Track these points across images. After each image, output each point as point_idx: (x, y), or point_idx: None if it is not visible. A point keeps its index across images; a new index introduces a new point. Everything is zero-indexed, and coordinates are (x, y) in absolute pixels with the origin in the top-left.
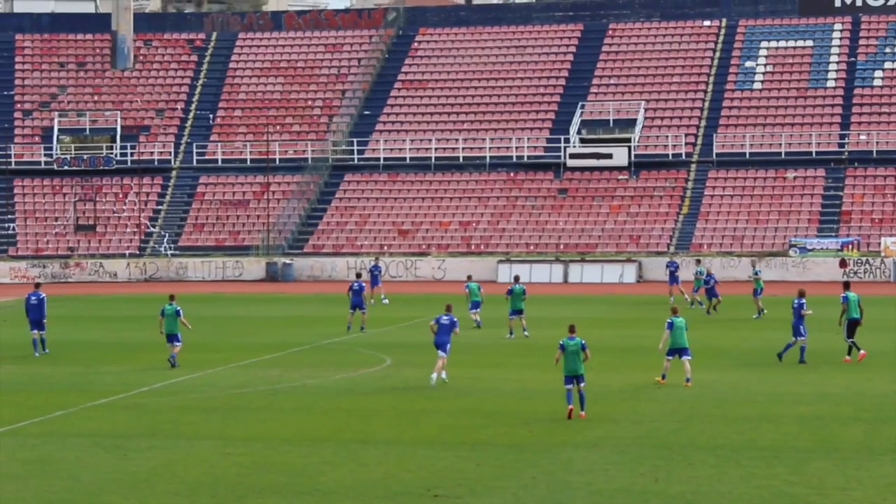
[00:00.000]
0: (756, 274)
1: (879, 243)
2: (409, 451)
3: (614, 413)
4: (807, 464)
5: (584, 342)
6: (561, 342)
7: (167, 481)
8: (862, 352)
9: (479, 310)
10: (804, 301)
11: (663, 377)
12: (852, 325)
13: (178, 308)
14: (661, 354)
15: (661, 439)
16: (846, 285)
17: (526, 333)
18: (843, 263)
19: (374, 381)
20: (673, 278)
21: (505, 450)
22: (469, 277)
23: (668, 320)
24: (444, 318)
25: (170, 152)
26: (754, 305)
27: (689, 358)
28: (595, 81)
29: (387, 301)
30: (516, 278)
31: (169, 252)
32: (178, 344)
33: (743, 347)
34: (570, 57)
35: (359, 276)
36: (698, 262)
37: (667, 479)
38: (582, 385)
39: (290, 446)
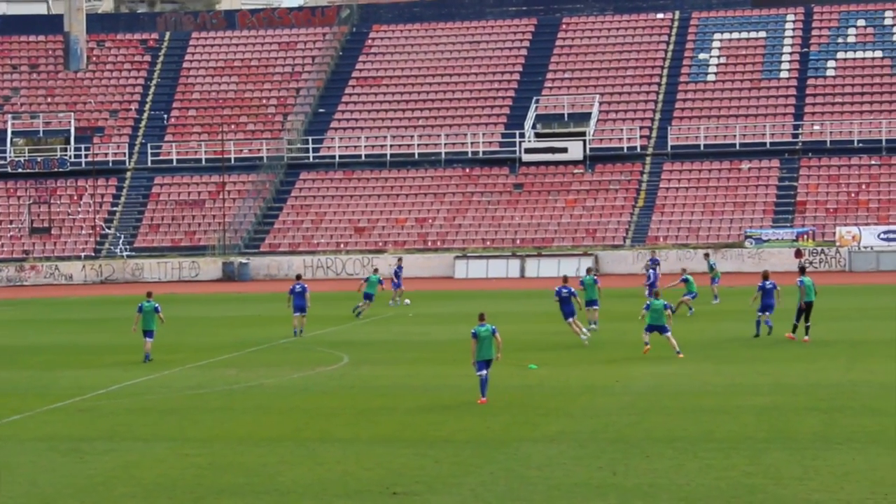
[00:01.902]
0: (712, 267)
1: (834, 233)
2: (368, 449)
3: (571, 408)
4: (764, 454)
5: (494, 328)
6: (473, 330)
7: (124, 484)
8: (806, 338)
9: (370, 301)
10: (774, 282)
11: (647, 344)
12: (807, 308)
13: (157, 305)
14: (641, 326)
15: (619, 433)
16: (802, 270)
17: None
18: (798, 253)
19: (331, 380)
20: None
21: (463, 446)
22: (375, 270)
23: (646, 303)
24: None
25: (124, 153)
26: (711, 292)
27: (670, 334)
28: (549, 76)
29: (408, 301)
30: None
31: (124, 253)
32: (150, 340)
33: (700, 339)
34: (524, 52)
35: (298, 277)
36: (707, 255)
37: (624, 472)
38: (486, 371)
39: (248, 446)
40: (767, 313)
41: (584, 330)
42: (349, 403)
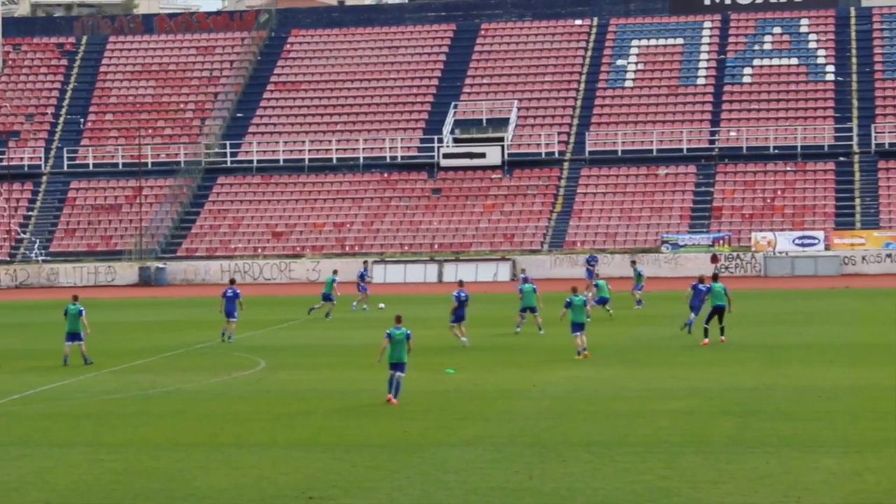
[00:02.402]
0: (640, 274)
1: (750, 238)
2: (284, 453)
3: (488, 412)
4: (679, 458)
5: (409, 332)
6: (388, 332)
7: (38, 489)
8: (723, 338)
9: (330, 303)
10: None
11: (578, 353)
12: (716, 312)
13: (82, 308)
14: (565, 327)
15: (535, 437)
16: (714, 277)
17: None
18: (714, 258)
19: (248, 385)
20: (589, 273)
21: (379, 450)
22: (335, 272)
23: (567, 299)
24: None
25: (40, 157)
26: (633, 297)
27: (582, 332)
28: (468, 81)
29: (382, 305)
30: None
31: (40, 258)
32: (80, 342)
33: (616, 344)
34: (443, 57)
35: (232, 281)
36: (633, 262)
37: (541, 476)
38: (400, 374)
39: (164, 451)
40: (693, 314)
41: (465, 338)
42: (266, 408)
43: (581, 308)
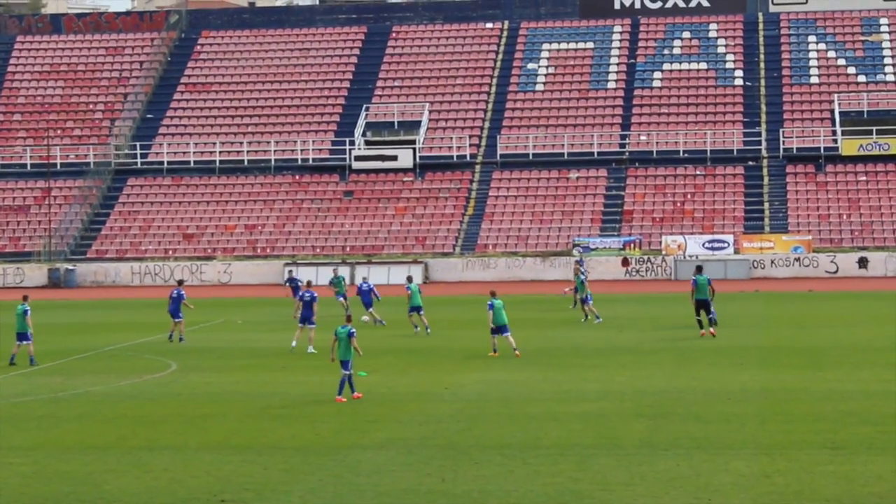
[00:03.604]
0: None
1: (661, 242)
2: (196, 456)
3: (400, 414)
4: (591, 460)
5: (352, 330)
6: (336, 330)
7: None
8: (712, 329)
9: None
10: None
11: (494, 351)
12: (701, 304)
13: (27, 308)
14: (487, 332)
15: (448, 439)
16: (698, 269)
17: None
18: (625, 262)
19: (159, 387)
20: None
21: (292, 453)
22: (179, 283)
23: (489, 302)
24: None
25: None
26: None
27: (509, 334)
28: (379, 84)
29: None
30: (409, 279)
31: None
32: (28, 342)
33: (528, 347)
34: (355, 59)
35: (180, 283)
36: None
37: (453, 478)
38: (347, 372)
39: (74, 454)
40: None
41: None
42: (177, 411)
43: (500, 310)
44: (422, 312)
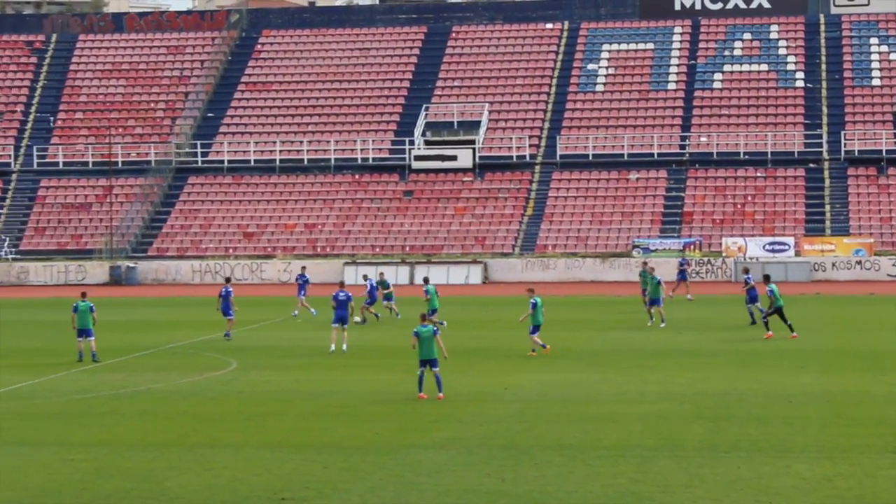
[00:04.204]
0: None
1: (720, 243)
2: (256, 454)
3: (461, 414)
4: (651, 462)
5: (436, 329)
6: (415, 330)
7: (9, 488)
8: (794, 334)
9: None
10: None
11: (534, 350)
12: (778, 311)
13: (91, 304)
14: (525, 330)
15: (508, 439)
16: (766, 278)
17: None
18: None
19: (220, 385)
20: (681, 275)
21: (352, 452)
22: (227, 280)
23: (532, 300)
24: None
25: (10, 155)
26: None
27: (536, 334)
28: (439, 83)
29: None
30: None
31: (10, 256)
32: (91, 338)
33: (587, 349)
34: (415, 59)
35: (228, 280)
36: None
37: (514, 479)
38: (436, 370)
39: (135, 451)
40: (755, 304)
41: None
42: (238, 409)
43: (540, 309)
44: (434, 315)
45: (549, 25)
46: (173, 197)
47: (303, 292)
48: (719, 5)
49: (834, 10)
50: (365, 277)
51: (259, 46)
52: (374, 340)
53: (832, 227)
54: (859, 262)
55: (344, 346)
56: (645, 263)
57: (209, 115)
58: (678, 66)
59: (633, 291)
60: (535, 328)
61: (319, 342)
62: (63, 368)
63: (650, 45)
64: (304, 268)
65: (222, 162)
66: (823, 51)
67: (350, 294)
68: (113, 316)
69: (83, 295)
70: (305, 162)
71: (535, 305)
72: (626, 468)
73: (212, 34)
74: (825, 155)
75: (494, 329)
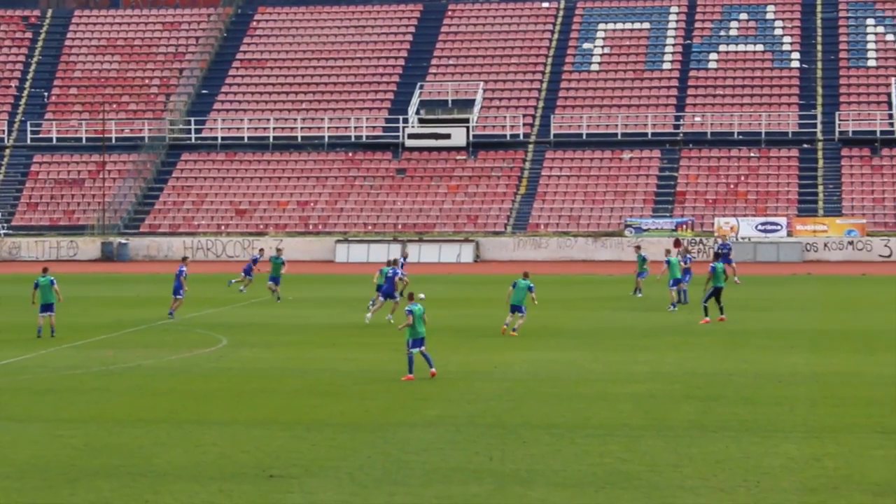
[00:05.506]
0: (644, 259)
1: (713, 223)
2: (245, 431)
3: (450, 393)
4: (640, 441)
5: (423, 308)
6: (407, 308)
7: None
8: (722, 317)
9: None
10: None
11: (506, 325)
12: (717, 292)
13: (53, 279)
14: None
15: (496, 418)
16: (717, 256)
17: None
18: (677, 243)
19: (209, 362)
20: (725, 259)
21: (340, 429)
22: (183, 261)
23: (514, 281)
24: None
25: (3, 130)
26: (636, 285)
27: (523, 315)
28: (434, 62)
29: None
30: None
31: (2, 232)
32: (51, 314)
33: (578, 327)
34: (410, 37)
35: (184, 259)
36: (638, 248)
37: (501, 457)
38: (423, 348)
39: (124, 427)
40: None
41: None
42: (227, 386)
43: (523, 290)
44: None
45: (545, 4)
46: (166, 173)
47: (251, 272)
48: None
49: None
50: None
51: (254, 23)
52: (364, 319)
53: (825, 207)
54: (851, 243)
55: (389, 317)
56: (671, 248)
57: (203, 91)
58: (674, 45)
59: (623, 270)
60: (514, 307)
61: (309, 320)
62: (53, 344)
63: (646, 25)
64: (261, 249)
65: (216, 139)
66: (819, 31)
67: (398, 271)
68: (104, 292)
69: (44, 270)
70: (299, 139)
71: (514, 285)
72: (614, 447)
73: (207, 11)
74: (819, 135)
75: (484, 307)
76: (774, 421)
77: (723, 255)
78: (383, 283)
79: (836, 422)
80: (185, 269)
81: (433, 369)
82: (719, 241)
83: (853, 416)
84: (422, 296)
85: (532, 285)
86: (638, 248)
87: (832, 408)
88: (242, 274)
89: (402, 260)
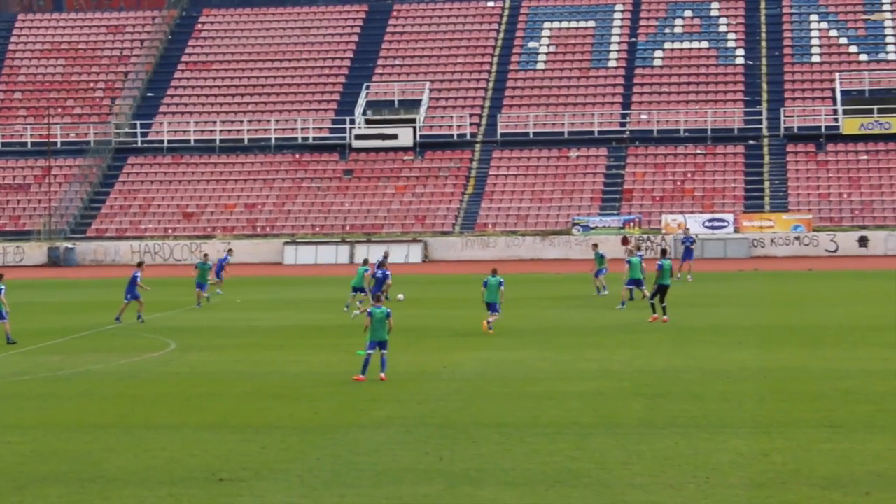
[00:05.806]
0: (602, 258)
1: (660, 220)
2: (194, 435)
3: (400, 393)
4: (589, 439)
5: (389, 311)
6: (368, 310)
7: None
8: (665, 318)
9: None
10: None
11: (488, 322)
12: (662, 289)
13: (2, 286)
14: (469, 310)
15: (446, 418)
16: (663, 253)
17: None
18: (625, 241)
19: (158, 366)
20: (687, 253)
21: (290, 432)
22: (139, 266)
23: (485, 280)
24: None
25: None
26: (596, 284)
27: (498, 314)
28: (380, 62)
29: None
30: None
31: None
32: (4, 321)
33: (527, 327)
34: (356, 38)
35: (139, 265)
36: (595, 245)
37: (451, 457)
38: (384, 352)
39: (72, 433)
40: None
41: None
42: (176, 390)
43: (495, 288)
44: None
45: (491, 4)
46: (112, 177)
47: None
48: None
49: None
50: (365, 262)
51: (199, 25)
52: (313, 321)
53: (771, 203)
54: (798, 238)
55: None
56: (595, 245)
57: (149, 94)
58: (619, 43)
59: (571, 269)
60: (488, 305)
61: (257, 322)
62: (0, 350)
63: (591, 23)
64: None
65: (162, 142)
66: (764, 28)
67: (387, 272)
68: (51, 297)
69: None
70: (246, 141)
71: (485, 284)
72: (564, 445)
73: (152, 13)
74: (765, 132)
75: (434, 307)
76: (723, 417)
77: (686, 247)
78: (361, 284)
79: (784, 417)
80: (139, 274)
81: (383, 374)
82: (682, 234)
83: (801, 411)
84: (400, 296)
85: (502, 280)
86: (595, 246)
87: (780, 403)
88: (216, 278)
89: (382, 259)
